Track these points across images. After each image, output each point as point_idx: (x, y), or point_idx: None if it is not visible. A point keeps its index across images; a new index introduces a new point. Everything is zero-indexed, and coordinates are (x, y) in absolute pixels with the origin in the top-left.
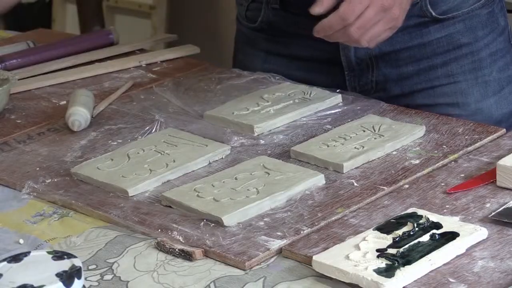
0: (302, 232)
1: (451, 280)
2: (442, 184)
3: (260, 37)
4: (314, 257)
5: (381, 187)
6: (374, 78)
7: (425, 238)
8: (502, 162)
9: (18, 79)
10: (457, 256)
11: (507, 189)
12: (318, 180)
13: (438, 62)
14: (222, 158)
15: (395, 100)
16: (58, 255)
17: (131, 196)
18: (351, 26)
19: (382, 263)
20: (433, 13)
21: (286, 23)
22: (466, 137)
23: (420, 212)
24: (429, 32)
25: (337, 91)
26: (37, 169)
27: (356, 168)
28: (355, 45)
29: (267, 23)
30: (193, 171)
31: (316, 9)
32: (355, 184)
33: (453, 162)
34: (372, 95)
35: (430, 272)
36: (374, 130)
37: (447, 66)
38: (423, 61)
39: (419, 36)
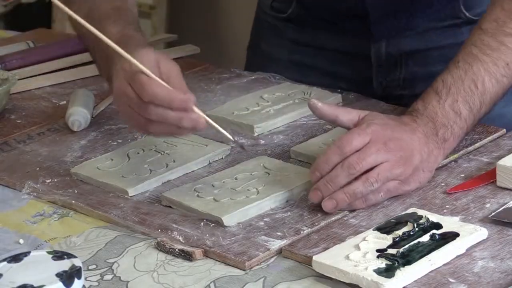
0: (302, 232)
1: (451, 280)
2: (442, 184)
3: (289, 27)
4: (314, 257)
5: None
6: (402, 75)
7: (425, 238)
8: (502, 162)
9: (18, 79)
10: (457, 256)
11: (507, 189)
12: None
13: None
14: (222, 158)
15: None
16: (58, 255)
17: (131, 196)
18: (349, 157)
19: (382, 263)
20: (467, 14)
21: (316, 16)
22: (466, 137)
23: (420, 212)
24: (462, 33)
25: (338, 91)
26: (37, 169)
27: None
28: (358, 195)
29: (296, 15)
30: (193, 171)
31: (315, 102)
32: None
33: (453, 162)
34: (397, 91)
35: (430, 272)
36: None
37: None
38: None
39: (452, 36)
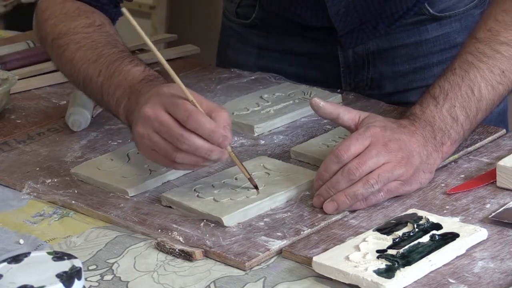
0: (302, 232)
1: (451, 280)
2: (442, 185)
3: (253, 33)
4: (314, 258)
5: None
6: (369, 75)
7: (425, 239)
8: (502, 162)
9: (18, 79)
10: (457, 257)
11: (507, 189)
12: None
13: (434, 61)
14: None
15: (389, 97)
16: (58, 256)
17: (131, 196)
18: (349, 163)
19: (382, 264)
20: (431, 11)
21: (281, 22)
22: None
23: (420, 213)
24: (427, 30)
25: (338, 91)
26: (37, 169)
27: None
28: (359, 196)
29: (260, 20)
30: (193, 171)
31: (317, 101)
32: None
33: (453, 163)
34: (365, 92)
35: (430, 272)
36: None
37: (442, 65)
38: (419, 59)
39: (417, 34)
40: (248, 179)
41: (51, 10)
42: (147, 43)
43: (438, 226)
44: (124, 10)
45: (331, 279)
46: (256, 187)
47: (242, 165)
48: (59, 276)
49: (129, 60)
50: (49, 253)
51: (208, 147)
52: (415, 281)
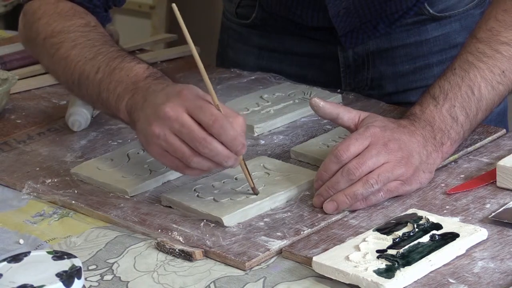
0: (302, 232)
1: (451, 280)
2: (442, 185)
3: (253, 33)
4: (314, 258)
5: None
6: (369, 75)
7: (425, 239)
8: (502, 162)
9: (18, 79)
10: (457, 257)
11: (507, 189)
12: None
13: (434, 61)
14: None
15: (389, 97)
16: (58, 255)
17: (131, 197)
18: (348, 163)
19: (382, 264)
20: (431, 11)
21: (281, 22)
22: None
23: (420, 213)
24: (427, 30)
25: (338, 91)
26: (37, 169)
27: None
28: (359, 196)
29: (260, 20)
30: None
31: (317, 101)
32: None
33: (453, 163)
34: (366, 92)
35: (430, 272)
36: None
37: (442, 65)
38: (419, 59)
39: (417, 34)
40: (252, 188)
41: (44, 9)
42: (186, 37)
43: (438, 226)
44: (173, 5)
45: (331, 279)
46: (256, 194)
47: (249, 174)
48: (59, 275)
49: (131, 58)
50: (49, 252)
51: (226, 154)
52: (415, 281)
